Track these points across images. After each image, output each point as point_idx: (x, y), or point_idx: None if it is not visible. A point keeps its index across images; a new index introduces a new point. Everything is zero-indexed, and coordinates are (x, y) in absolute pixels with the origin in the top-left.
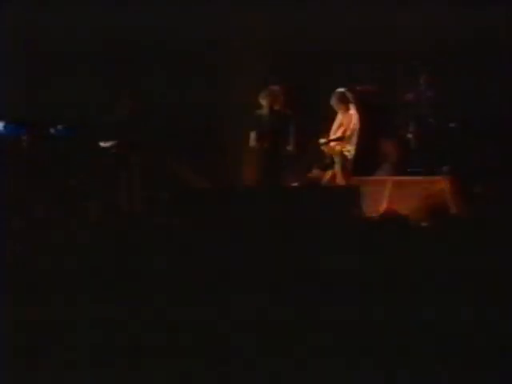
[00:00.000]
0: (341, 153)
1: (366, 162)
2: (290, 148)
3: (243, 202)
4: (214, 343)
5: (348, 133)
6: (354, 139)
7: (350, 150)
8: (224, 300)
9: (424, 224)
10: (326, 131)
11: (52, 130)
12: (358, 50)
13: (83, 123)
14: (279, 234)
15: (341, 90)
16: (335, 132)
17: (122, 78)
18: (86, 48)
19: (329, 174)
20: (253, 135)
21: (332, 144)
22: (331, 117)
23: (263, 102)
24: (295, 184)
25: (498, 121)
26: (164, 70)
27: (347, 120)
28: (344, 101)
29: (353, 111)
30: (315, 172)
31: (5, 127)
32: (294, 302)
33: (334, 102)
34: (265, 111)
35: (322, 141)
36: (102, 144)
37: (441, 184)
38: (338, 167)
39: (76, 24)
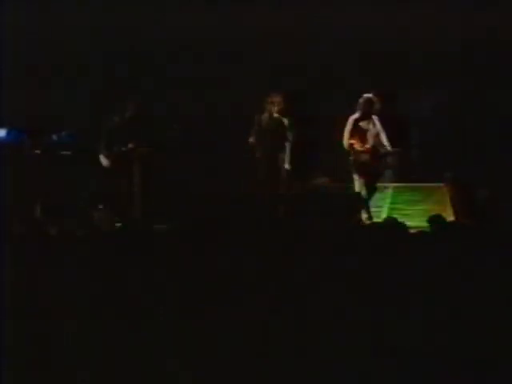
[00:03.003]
0: None
1: None
2: (286, 155)
3: (244, 208)
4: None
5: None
6: None
7: None
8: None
9: (426, 231)
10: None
11: (54, 137)
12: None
13: (84, 129)
14: (279, 241)
15: (369, 95)
16: (366, 138)
17: (124, 82)
18: (87, 54)
19: None
20: (252, 140)
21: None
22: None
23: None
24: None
25: (499, 126)
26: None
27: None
28: (373, 106)
29: (375, 117)
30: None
31: (8, 133)
32: (293, 306)
33: (366, 105)
34: (264, 117)
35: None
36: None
37: (443, 191)
38: None
39: (76, 29)
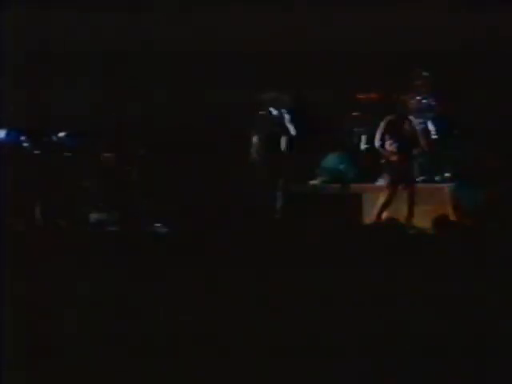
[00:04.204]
0: None
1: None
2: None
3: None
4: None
5: None
6: None
7: None
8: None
9: (426, 231)
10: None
11: (54, 138)
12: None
13: (84, 130)
14: (279, 241)
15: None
16: (399, 139)
17: (124, 82)
18: (87, 54)
19: None
20: (255, 138)
21: None
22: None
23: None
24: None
25: (499, 126)
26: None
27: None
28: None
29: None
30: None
31: (7, 134)
32: (293, 306)
33: (401, 107)
34: (265, 116)
35: None
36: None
37: (443, 191)
38: None
39: (77, 29)
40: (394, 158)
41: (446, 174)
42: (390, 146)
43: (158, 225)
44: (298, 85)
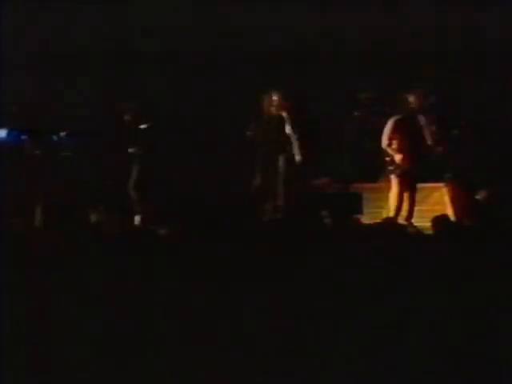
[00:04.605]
0: None
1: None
2: (295, 153)
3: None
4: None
5: None
6: None
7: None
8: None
9: (425, 231)
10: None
11: (54, 138)
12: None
13: (85, 130)
14: (280, 241)
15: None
16: (405, 138)
17: (124, 82)
18: (87, 54)
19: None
20: (255, 138)
21: None
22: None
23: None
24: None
25: (499, 126)
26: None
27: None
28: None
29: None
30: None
31: (7, 134)
32: (293, 306)
33: (405, 106)
34: (265, 117)
35: None
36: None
37: (443, 191)
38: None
39: (77, 29)
40: (399, 157)
41: (446, 174)
42: (396, 145)
43: (159, 225)
44: (298, 85)
